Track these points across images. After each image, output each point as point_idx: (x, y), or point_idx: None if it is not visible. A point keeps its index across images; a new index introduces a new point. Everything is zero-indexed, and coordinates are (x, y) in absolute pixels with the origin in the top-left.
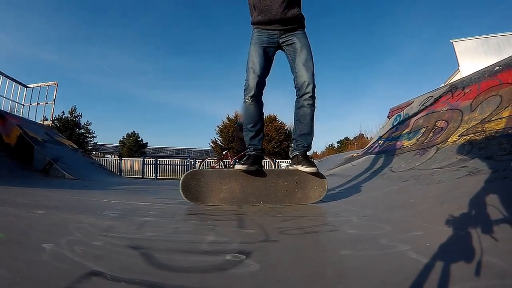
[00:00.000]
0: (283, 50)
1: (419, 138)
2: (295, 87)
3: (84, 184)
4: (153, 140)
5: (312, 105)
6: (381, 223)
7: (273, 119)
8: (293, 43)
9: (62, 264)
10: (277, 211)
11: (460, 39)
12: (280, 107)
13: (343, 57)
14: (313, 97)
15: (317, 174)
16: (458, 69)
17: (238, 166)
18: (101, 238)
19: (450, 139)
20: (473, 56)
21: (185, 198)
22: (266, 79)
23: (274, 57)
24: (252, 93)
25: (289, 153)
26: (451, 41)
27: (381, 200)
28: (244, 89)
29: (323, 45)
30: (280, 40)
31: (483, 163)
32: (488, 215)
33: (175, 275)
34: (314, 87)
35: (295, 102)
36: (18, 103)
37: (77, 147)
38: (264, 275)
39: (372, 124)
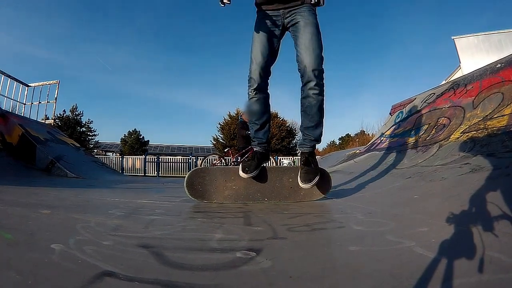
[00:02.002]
0: (290, 32)
1: (422, 135)
2: (299, 72)
3: (88, 183)
4: (154, 137)
5: (319, 94)
6: (386, 220)
7: (274, 116)
8: (296, 23)
9: (73, 265)
10: (282, 208)
11: (461, 36)
12: (281, 104)
13: (343, 53)
14: (319, 85)
15: (320, 183)
16: (460, 65)
17: (241, 174)
18: (110, 237)
19: (452, 136)
20: (474, 53)
21: (190, 196)
22: (271, 68)
23: (281, 41)
24: (255, 85)
25: (297, 145)
26: (453, 37)
27: (385, 197)
28: (248, 81)
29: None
30: (285, 21)
31: (485, 160)
32: (491, 211)
33: (188, 273)
34: (320, 72)
35: (300, 90)
36: (19, 102)
37: (79, 145)
38: (276, 271)
39: (373, 120)
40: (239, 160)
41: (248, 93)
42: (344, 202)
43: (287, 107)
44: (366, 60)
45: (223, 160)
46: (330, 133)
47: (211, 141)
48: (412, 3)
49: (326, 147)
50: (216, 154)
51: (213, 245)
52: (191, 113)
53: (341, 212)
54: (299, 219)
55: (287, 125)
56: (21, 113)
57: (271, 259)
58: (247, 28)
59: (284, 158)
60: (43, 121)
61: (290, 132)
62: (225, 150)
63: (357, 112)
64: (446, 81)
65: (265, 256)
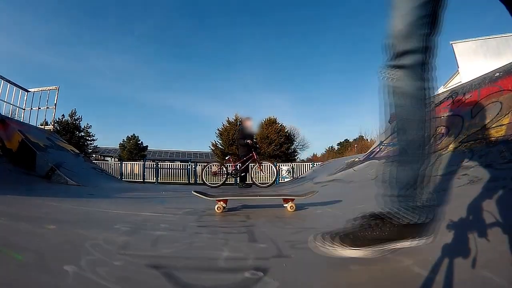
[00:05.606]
0: None
1: None
2: None
3: (88, 191)
4: (153, 143)
5: None
6: None
7: (273, 121)
8: None
9: None
10: (285, 222)
11: (460, 41)
12: (279, 109)
13: (342, 58)
14: None
15: None
16: (458, 70)
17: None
18: (120, 257)
19: (451, 145)
20: (472, 58)
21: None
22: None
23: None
24: (403, 47)
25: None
26: (451, 42)
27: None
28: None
29: (322, 46)
30: None
31: (483, 171)
32: (489, 227)
33: None
34: None
35: None
36: (19, 107)
37: (78, 152)
38: None
39: (372, 126)
40: (239, 168)
41: (387, 64)
42: (345, 215)
43: (285, 113)
44: (364, 64)
45: (223, 168)
46: (329, 138)
47: (209, 146)
48: None
49: (324, 152)
50: (217, 161)
51: (221, 264)
52: (190, 118)
53: (342, 227)
54: (301, 235)
55: (286, 130)
56: (21, 118)
57: (278, 280)
58: (245, 35)
59: (283, 165)
60: (42, 126)
61: (289, 138)
62: (226, 158)
63: (356, 117)
64: (444, 86)
65: (272, 276)
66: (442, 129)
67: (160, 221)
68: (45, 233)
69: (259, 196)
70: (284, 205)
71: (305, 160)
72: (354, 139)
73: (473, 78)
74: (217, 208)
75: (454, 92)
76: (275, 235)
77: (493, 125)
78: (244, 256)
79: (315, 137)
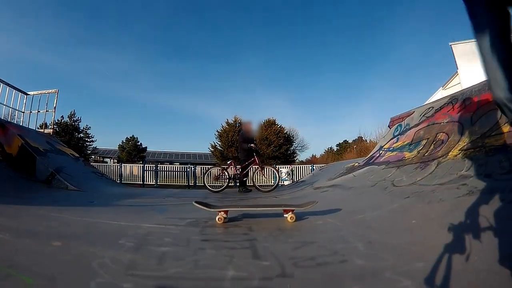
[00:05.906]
0: None
1: (420, 150)
2: None
3: (88, 198)
4: (152, 144)
5: None
6: (385, 252)
7: (272, 123)
8: None
9: None
10: (286, 235)
11: (459, 42)
12: (278, 110)
13: (341, 59)
14: None
15: None
16: (457, 72)
17: None
18: (128, 278)
19: (451, 153)
20: (471, 59)
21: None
22: None
23: None
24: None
25: None
26: (450, 43)
27: (384, 221)
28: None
29: (322, 48)
30: None
31: (482, 181)
32: (485, 243)
33: None
34: None
35: None
36: (18, 110)
37: (78, 155)
38: None
39: (371, 127)
40: (239, 173)
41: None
42: (345, 227)
43: (284, 114)
44: (364, 65)
45: (226, 173)
46: (328, 139)
47: (209, 148)
48: (410, 9)
49: (323, 153)
50: (219, 166)
51: (227, 286)
52: (189, 119)
53: (343, 241)
54: (303, 250)
55: (285, 131)
56: (20, 121)
57: None
58: (245, 36)
59: (283, 167)
60: (41, 129)
61: (288, 139)
62: (228, 162)
63: (355, 118)
64: (444, 87)
65: None
66: (442, 136)
67: (163, 234)
68: (51, 251)
69: (260, 208)
70: (284, 215)
71: (304, 161)
72: (353, 140)
73: (473, 84)
74: (218, 219)
75: (454, 98)
76: (278, 251)
77: (493, 133)
78: (248, 276)
79: (314, 138)
